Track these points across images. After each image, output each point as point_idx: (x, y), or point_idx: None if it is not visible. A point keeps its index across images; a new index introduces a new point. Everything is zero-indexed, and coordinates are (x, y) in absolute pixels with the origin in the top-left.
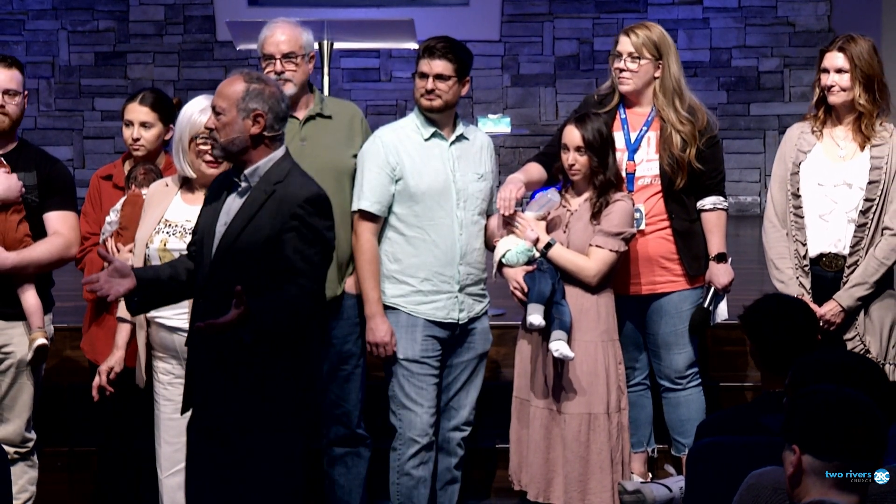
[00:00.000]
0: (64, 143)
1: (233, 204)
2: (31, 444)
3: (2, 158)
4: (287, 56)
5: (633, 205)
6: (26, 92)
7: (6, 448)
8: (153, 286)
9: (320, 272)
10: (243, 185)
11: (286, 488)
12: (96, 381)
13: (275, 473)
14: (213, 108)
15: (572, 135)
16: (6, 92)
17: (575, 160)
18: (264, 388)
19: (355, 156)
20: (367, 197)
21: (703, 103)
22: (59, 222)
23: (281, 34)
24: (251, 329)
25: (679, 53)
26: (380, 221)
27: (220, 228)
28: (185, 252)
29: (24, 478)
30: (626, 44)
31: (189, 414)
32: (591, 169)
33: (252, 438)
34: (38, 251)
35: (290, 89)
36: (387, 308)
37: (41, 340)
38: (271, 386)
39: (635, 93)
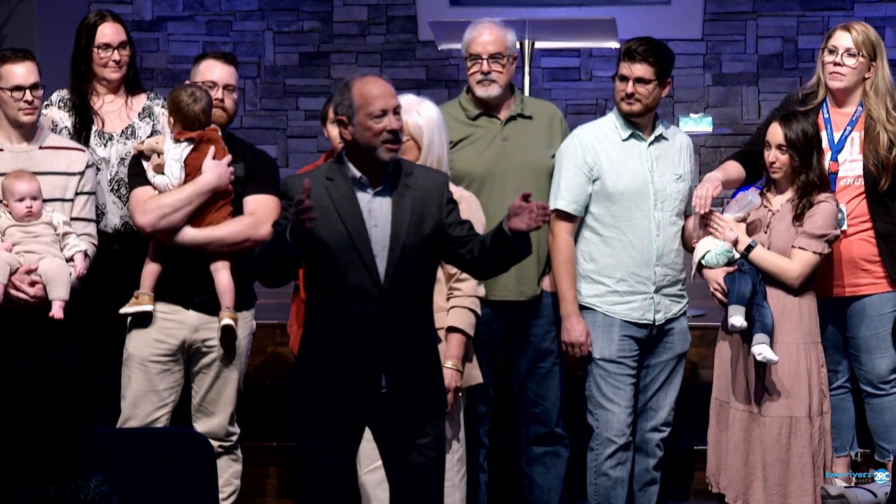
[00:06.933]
0: (268, 142)
1: (372, 204)
2: (234, 438)
3: (224, 146)
4: (494, 57)
5: (837, 205)
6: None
7: (211, 442)
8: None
9: None
10: (382, 185)
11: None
12: None
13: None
14: (395, 109)
15: (775, 132)
16: (225, 87)
17: (776, 158)
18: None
19: (554, 156)
20: (563, 196)
21: None
22: (256, 203)
23: (488, 35)
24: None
25: (887, 51)
26: (576, 221)
27: (376, 231)
28: None
29: (228, 471)
30: (844, 38)
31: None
32: (793, 168)
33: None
34: (224, 229)
35: (494, 90)
36: (583, 308)
37: (227, 320)
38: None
39: (843, 91)
